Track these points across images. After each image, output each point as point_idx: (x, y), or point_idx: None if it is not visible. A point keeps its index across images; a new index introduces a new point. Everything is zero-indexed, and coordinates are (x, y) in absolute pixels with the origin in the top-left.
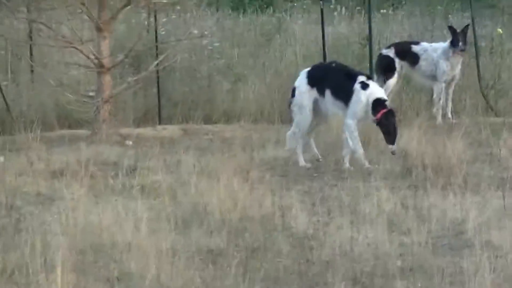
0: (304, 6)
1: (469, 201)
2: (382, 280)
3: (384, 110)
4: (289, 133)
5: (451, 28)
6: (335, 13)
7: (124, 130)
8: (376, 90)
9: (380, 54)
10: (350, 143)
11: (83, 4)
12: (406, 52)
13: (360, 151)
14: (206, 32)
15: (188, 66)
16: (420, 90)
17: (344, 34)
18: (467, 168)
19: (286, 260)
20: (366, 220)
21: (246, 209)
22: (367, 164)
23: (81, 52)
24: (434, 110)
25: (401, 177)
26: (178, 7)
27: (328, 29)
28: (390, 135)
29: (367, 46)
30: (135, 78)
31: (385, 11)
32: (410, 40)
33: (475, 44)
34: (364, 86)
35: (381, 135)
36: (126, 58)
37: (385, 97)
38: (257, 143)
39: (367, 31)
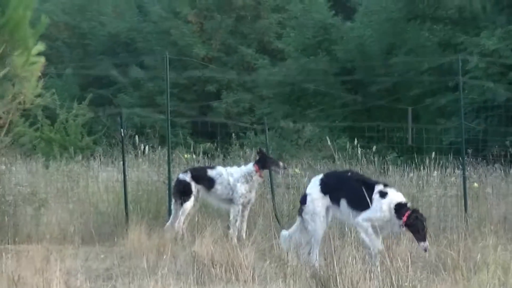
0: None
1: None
2: None
3: (408, 212)
4: (284, 233)
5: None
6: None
7: None
8: (395, 196)
9: (178, 178)
10: (367, 240)
11: None
12: (202, 177)
13: (380, 247)
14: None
15: None
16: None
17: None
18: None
19: None
20: None
21: None
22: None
23: None
24: (231, 231)
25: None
26: None
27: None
28: (419, 233)
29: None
30: None
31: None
32: (206, 166)
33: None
34: (383, 194)
35: None
36: None
37: (405, 200)
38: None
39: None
